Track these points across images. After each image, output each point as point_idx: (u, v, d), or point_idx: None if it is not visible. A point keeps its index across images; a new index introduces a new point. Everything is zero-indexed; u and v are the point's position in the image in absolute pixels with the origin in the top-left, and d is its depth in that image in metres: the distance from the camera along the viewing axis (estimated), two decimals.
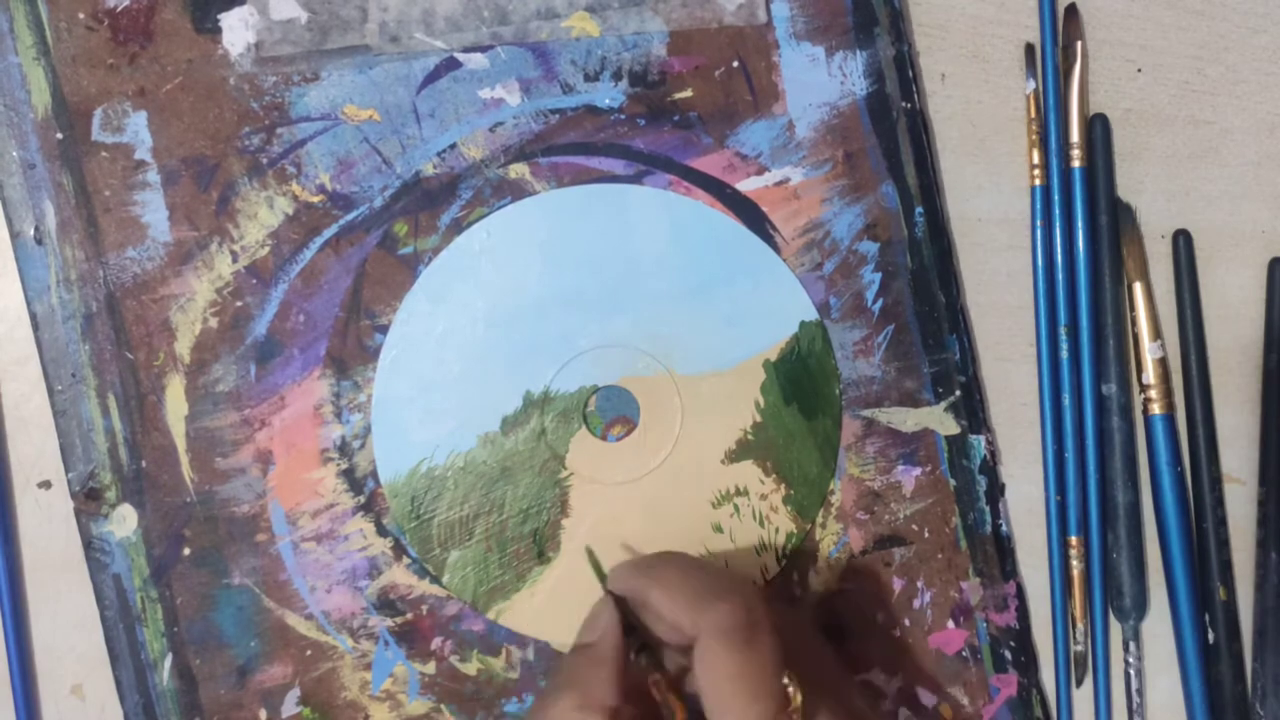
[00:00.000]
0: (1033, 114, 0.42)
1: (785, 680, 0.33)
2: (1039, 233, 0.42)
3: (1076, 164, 0.41)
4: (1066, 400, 0.41)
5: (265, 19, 0.39)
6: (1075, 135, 0.41)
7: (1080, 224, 0.41)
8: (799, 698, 0.33)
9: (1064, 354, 0.41)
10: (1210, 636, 0.42)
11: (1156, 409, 0.41)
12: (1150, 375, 0.41)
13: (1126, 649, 0.42)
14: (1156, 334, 0.42)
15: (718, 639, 0.32)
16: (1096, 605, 0.42)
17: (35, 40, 0.38)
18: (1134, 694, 0.42)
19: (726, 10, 0.41)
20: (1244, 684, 0.42)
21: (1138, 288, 0.42)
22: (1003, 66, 0.42)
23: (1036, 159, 0.42)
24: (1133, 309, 0.42)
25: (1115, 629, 0.42)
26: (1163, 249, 0.43)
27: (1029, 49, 0.42)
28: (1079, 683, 0.42)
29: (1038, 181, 0.42)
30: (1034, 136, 0.42)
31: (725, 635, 0.32)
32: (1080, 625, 0.41)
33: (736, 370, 0.41)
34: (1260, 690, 0.41)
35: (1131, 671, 0.42)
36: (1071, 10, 0.42)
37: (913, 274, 0.41)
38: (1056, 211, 0.41)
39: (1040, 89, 0.42)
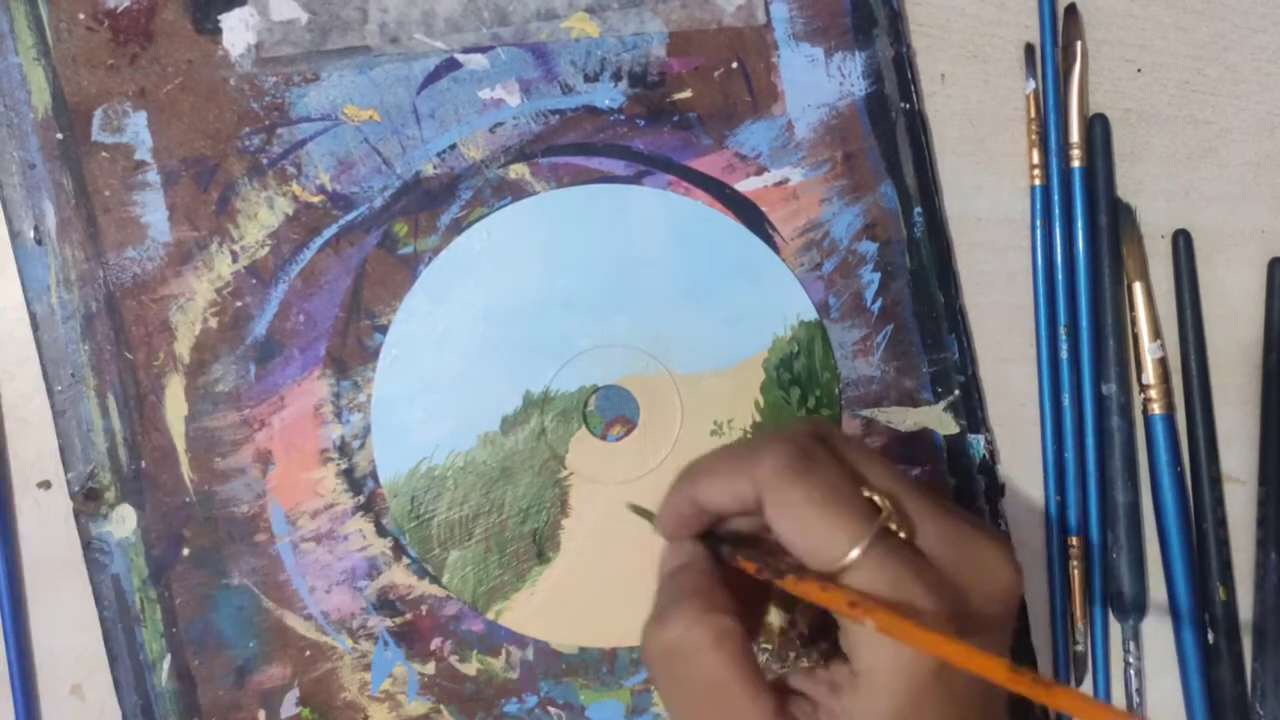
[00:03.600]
0: (1032, 114, 0.42)
1: (866, 494, 0.30)
2: (1039, 233, 0.42)
3: (1076, 164, 0.41)
4: (1066, 400, 0.41)
5: (265, 20, 0.39)
6: (1075, 135, 0.41)
7: (1080, 224, 0.41)
8: (888, 504, 0.30)
9: (1063, 354, 0.41)
10: (1210, 636, 0.42)
11: (1156, 409, 0.41)
12: (1150, 375, 0.41)
13: (1126, 649, 0.42)
14: (1156, 334, 0.42)
15: (775, 480, 0.30)
16: (1096, 605, 0.42)
17: (35, 40, 0.39)
18: (1134, 694, 0.42)
19: (726, 11, 0.41)
20: (1244, 684, 0.42)
21: (1137, 288, 0.42)
22: (1002, 66, 0.42)
23: (1036, 159, 0.42)
24: (1132, 309, 0.42)
25: (1115, 629, 0.42)
26: (1163, 249, 0.43)
27: (1028, 49, 0.42)
28: (1078, 682, 0.41)
29: (1037, 181, 0.42)
30: (1034, 137, 0.42)
31: (781, 472, 0.30)
32: (1080, 625, 0.41)
33: (736, 370, 0.41)
34: (1260, 690, 0.41)
35: (1131, 671, 0.42)
36: (1071, 10, 0.42)
37: (911, 274, 0.41)
38: (1056, 211, 0.41)
39: (1040, 89, 0.42)
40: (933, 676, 0.29)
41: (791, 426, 0.33)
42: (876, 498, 0.30)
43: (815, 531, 0.30)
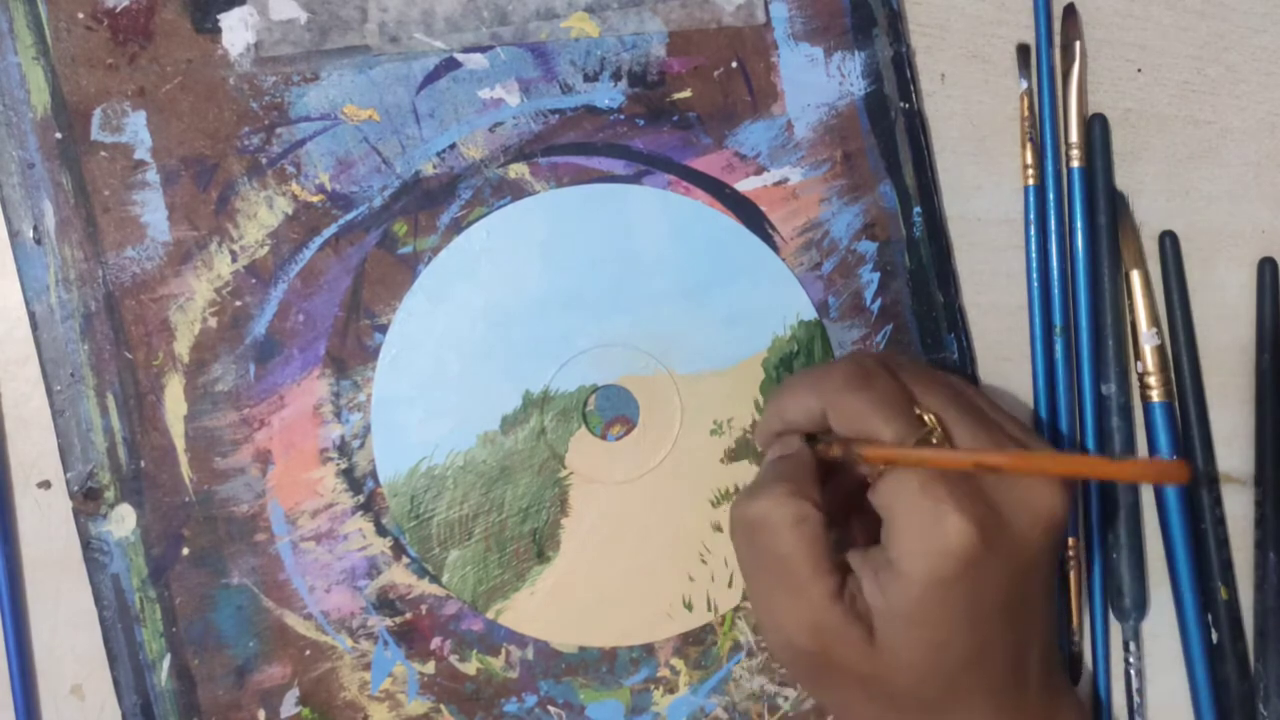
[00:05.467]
0: (1025, 114, 0.42)
1: (918, 411, 0.34)
2: (1033, 233, 0.42)
3: (1075, 164, 0.41)
4: (1062, 400, 0.41)
5: (265, 19, 0.39)
6: (1074, 135, 0.41)
7: (1080, 223, 0.41)
8: (933, 420, 0.34)
9: (1058, 354, 0.41)
10: (1214, 636, 0.41)
11: (1155, 396, 0.41)
12: (1148, 363, 0.41)
13: (1126, 649, 0.42)
14: (1154, 322, 0.41)
15: (840, 392, 0.35)
16: (1097, 605, 0.42)
17: (35, 40, 0.39)
18: (1134, 694, 0.42)
19: (725, 11, 0.41)
20: (1249, 683, 0.42)
21: (1135, 276, 0.42)
22: (1002, 66, 0.42)
23: (1030, 159, 0.42)
24: (1130, 298, 0.42)
25: (1115, 629, 0.42)
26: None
27: (1022, 49, 0.42)
28: (1075, 682, 0.41)
29: (1031, 181, 0.42)
30: (1027, 137, 0.42)
31: (844, 387, 0.35)
32: (1074, 624, 0.41)
33: (736, 369, 0.41)
34: (1264, 691, 0.41)
35: (1131, 671, 0.42)
36: (1070, 10, 0.42)
37: (911, 274, 0.41)
38: (1051, 211, 0.41)
39: (1034, 89, 0.42)
40: (956, 575, 0.32)
41: (861, 352, 0.37)
42: (926, 416, 0.34)
43: (865, 434, 0.34)
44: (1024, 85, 0.42)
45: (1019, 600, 0.34)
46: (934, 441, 0.34)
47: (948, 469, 0.33)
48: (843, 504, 0.36)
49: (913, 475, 0.33)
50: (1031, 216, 0.42)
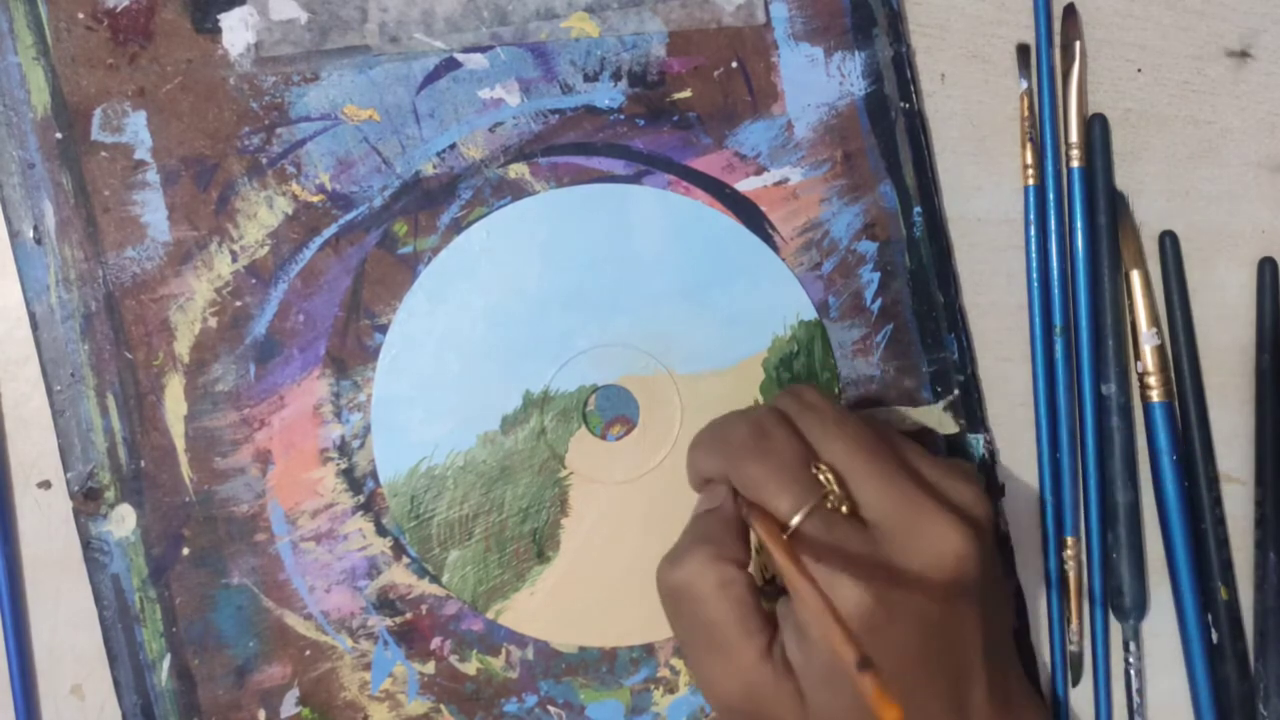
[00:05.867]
0: (1025, 114, 0.42)
1: (814, 470, 0.34)
2: (1032, 233, 0.42)
3: (1075, 164, 0.41)
4: (1062, 400, 0.41)
5: (265, 19, 0.39)
6: (1074, 135, 0.41)
7: (1080, 223, 0.41)
8: (830, 481, 0.34)
9: (1058, 354, 0.41)
10: (1214, 636, 0.42)
11: (1155, 396, 0.41)
12: (1148, 363, 0.41)
13: (1126, 649, 0.42)
14: (1153, 321, 0.41)
15: (737, 458, 0.35)
16: (1097, 605, 0.42)
17: (35, 40, 0.39)
18: (1134, 694, 0.42)
19: (725, 11, 0.41)
20: (1249, 682, 0.42)
21: (1134, 275, 0.42)
22: (1002, 67, 0.42)
23: (1030, 159, 0.42)
24: (1129, 298, 0.42)
25: (1115, 629, 0.42)
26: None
27: (1021, 49, 0.42)
28: (1075, 682, 0.41)
29: (1031, 181, 0.42)
30: (1027, 137, 0.42)
31: (740, 451, 0.35)
32: (1074, 624, 0.41)
33: (736, 369, 0.41)
34: (1264, 691, 0.41)
35: (1131, 671, 0.42)
36: (1070, 10, 0.42)
37: (911, 274, 0.41)
38: (1051, 211, 0.41)
39: (1034, 89, 0.42)
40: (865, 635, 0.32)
41: (772, 401, 0.37)
42: (823, 476, 0.34)
43: (762, 502, 0.34)
44: (1024, 85, 0.42)
45: (943, 646, 0.34)
46: (830, 503, 0.34)
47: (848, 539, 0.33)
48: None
49: (805, 547, 0.33)
50: (1031, 216, 0.42)
